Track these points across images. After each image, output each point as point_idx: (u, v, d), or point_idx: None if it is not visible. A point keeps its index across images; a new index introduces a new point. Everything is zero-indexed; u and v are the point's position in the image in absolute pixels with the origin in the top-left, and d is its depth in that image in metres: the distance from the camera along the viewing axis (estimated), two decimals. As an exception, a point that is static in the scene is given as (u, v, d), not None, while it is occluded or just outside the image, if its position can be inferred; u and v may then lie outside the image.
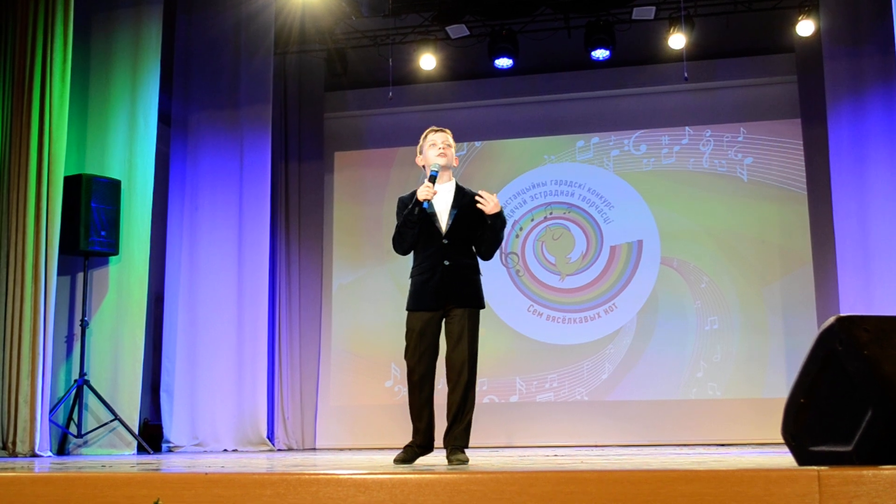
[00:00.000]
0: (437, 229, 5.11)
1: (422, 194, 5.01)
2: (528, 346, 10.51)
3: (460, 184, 5.30)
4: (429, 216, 5.10)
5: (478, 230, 5.13)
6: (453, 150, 5.28)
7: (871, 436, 2.98)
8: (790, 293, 10.07)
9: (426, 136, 5.31)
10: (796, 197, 10.17)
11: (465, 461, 4.86)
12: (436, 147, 5.22)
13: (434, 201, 5.12)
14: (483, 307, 5.15)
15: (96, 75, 8.61)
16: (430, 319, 5.05)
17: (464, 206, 5.15)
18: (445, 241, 5.09)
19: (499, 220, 5.10)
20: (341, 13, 10.04)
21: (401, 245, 5.21)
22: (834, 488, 2.71)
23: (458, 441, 4.96)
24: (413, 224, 5.09)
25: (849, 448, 3.03)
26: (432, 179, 5.07)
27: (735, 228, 10.31)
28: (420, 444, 5.08)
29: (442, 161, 5.16)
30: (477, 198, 5.05)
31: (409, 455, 5.06)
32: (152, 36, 8.67)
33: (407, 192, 5.27)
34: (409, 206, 5.07)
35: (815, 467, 2.80)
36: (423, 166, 5.28)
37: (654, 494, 2.81)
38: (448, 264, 5.05)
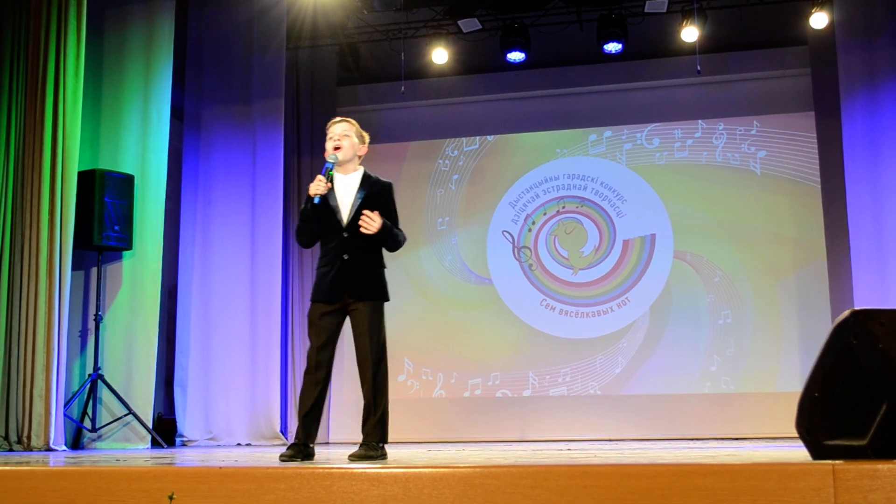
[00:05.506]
0: (339, 221, 4.99)
1: (312, 189, 4.91)
2: (540, 340, 10.50)
3: (371, 173, 5.15)
4: (331, 208, 4.99)
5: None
6: (353, 139, 5.09)
7: (886, 430, 2.97)
8: (804, 287, 10.03)
9: (328, 128, 5.17)
10: (810, 190, 10.13)
11: (375, 457, 4.75)
12: (332, 140, 5.07)
13: (337, 193, 5.02)
14: (387, 299, 5.05)
15: (109, 71, 8.62)
16: (327, 312, 4.96)
17: (367, 197, 5.01)
18: (346, 235, 4.96)
19: (382, 237, 4.95)
20: (353, 8, 10.03)
21: (299, 237, 5.15)
22: (849, 482, 2.71)
23: (370, 437, 4.87)
24: (308, 218, 5.02)
25: (863, 442, 3.02)
26: (326, 173, 4.95)
27: (748, 222, 10.28)
28: (303, 443, 4.86)
29: (339, 155, 5.03)
30: (360, 221, 4.88)
31: (295, 453, 4.81)
32: (165, 31, 8.68)
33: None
34: (304, 201, 5.00)
35: (829, 461, 2.79)
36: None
37: (669, 488, 2.81)
38: (347, 258, 4.94)
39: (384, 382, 4.98)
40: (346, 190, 5.05)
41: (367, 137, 5.23)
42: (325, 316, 4.97)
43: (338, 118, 5.22)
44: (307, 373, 5.00)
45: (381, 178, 5.17)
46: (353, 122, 5.19)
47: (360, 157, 5.15)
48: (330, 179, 4.99)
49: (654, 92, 10.75)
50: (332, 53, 10.91)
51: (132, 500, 3.24)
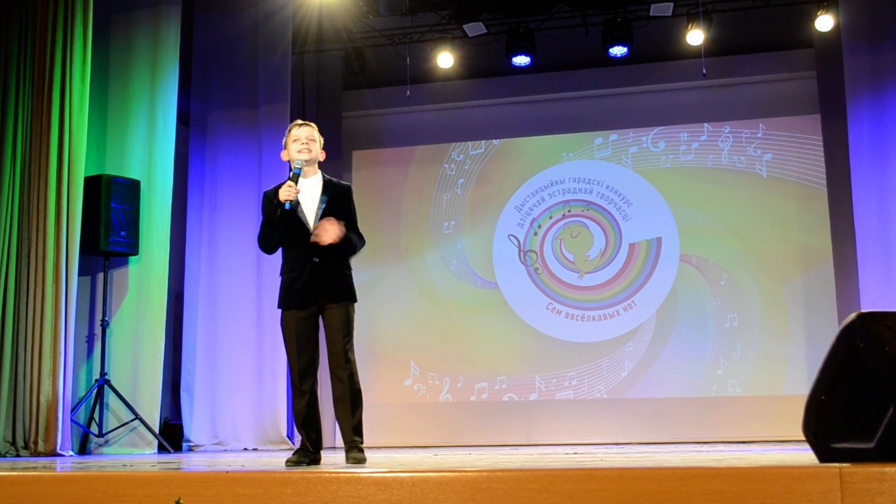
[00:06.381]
0: (305, 226, 4.98)
1: (283, 195, 4.87)
2: (547, 343, 10.50)
3: (329, 177, 5.18)
4: (295, 213, 4.97)
5: (346, 224, 5.02)
6: (318, 144, 5.11)
7: (894, 432, 2.96)
8: (810, 290, 10.02)
9: (290, 130, 5.14)
10: (816, 193, 10.12)
11: (364, 459, 4.82)
12: (298, 142, 5.04)
13: (301, 197, 5.00)
14: (356, 300, 5.08)
15: (115, 75, 8.64)
16: (303, 318, 4.96)
17: (331, 200, 5.04)
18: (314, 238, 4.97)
19: (342, 245, 4.97)
20: (358, 12, 10.04)
21: (266, 244, 5.09)
22: (856, 485, 2.70)
23: (356, 438, 4.92)
24: (276, 224, 4.97)
25: (870, 445, 3.02)
26: (294, 178, 4.92)
27: (754, 225, 10.27)
28: (311, 450, 4.96)
29: (305, 156, 5.00)
30: (314, 237, 4.92)
31: (301, 458, 4.89)
32: (171, 36, 8.69)
33: (275, 186, 5.06)
34: (272, 206, 4.97)
35: (836, 464, 2.79)
36: (289, 162, 5.10)
37: (676, 492, 2.80)
38: (318, 261, 4.93)
39: (359, 382, 5.04)
40: (309, 194, 5.06)
41: (322, 142, 5.26)
42: (300, 322, 4.97)
43: (299, 121, 5.22)
44: (292, 384, 5.03)
45: (341, 182, 5.23)
46: (315, 126, 5.20)
47: (318, 161, 5.18)
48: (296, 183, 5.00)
49: (659, 95, 10.75)
50: (338, 58, 10.92)
51: (139, 505, 3.25)
